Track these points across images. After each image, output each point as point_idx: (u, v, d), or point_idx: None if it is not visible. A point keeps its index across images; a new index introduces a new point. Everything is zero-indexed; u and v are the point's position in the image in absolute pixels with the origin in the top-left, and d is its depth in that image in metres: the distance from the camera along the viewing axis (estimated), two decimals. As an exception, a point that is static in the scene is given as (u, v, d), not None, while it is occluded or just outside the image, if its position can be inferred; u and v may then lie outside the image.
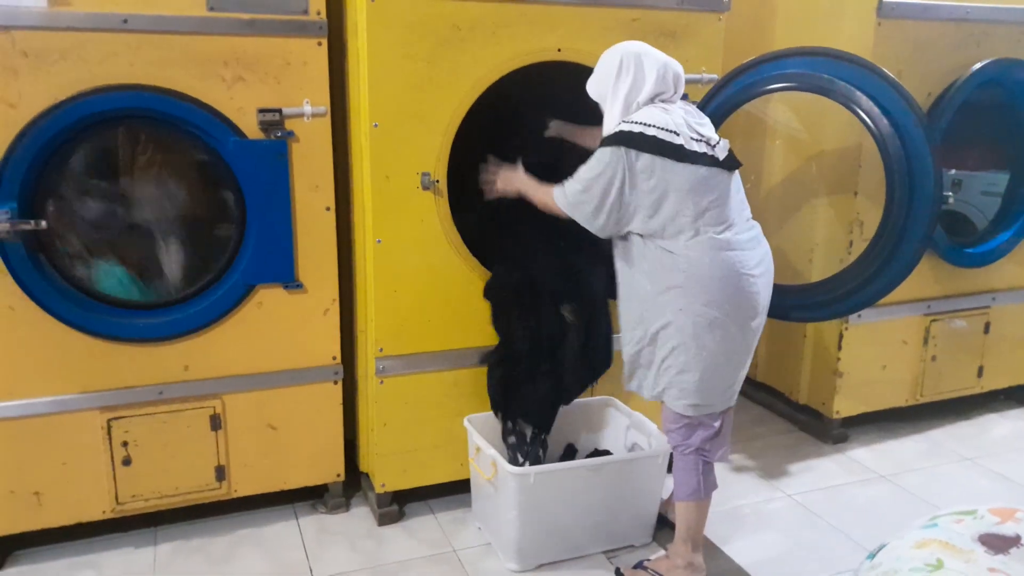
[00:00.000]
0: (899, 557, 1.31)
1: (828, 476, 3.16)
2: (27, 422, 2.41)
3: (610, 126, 2.31)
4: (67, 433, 2.45)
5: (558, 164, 2.62)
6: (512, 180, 2.59)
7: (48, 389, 2.41)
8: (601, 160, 2.25)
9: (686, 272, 2.23)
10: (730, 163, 2.29)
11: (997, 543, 1.33)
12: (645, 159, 2.20)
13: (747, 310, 2.29)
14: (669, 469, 2.76)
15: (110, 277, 2.50)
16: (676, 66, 2.33)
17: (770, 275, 2.37)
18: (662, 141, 2.20)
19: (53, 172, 2.34)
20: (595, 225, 2.32)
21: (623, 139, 2.21)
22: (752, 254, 2.30)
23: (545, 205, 2.45)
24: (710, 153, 2.25)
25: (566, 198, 2.34)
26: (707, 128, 2.34)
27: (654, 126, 2.21)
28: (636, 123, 2.22)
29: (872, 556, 1.37)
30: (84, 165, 2.44)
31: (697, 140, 2.25)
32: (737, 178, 2.34)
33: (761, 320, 2.36)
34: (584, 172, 2.29)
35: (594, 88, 2.38)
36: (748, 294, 2.28)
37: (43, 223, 2.28)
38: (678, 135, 2.22)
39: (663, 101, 2.30)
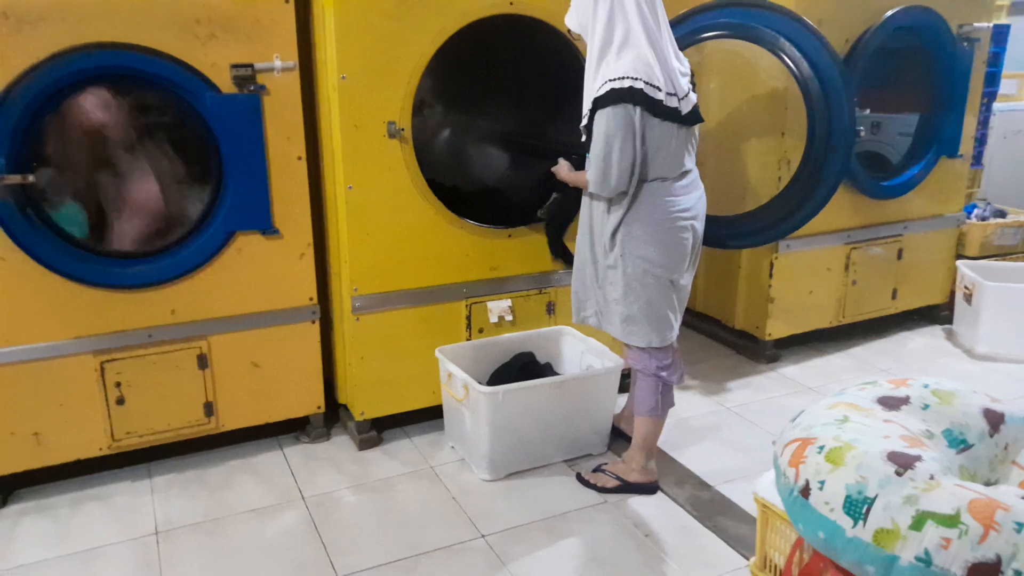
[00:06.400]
0: (814, 415, 1.61)
1: (763, 390, 3.52)
2: (24, 367, 2.55)
3: (594, 61, 2.35)
4: (63, 376, 2.60)
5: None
6: (566, 177, 2.66)
7: (43, 335, 2.55)
8: (609, 123, 2.29)
9: (633, 216, 2.45)
10: (691, 119, 2.42)
11: (892, 402, 1.65)
12: (638, 112, 2.29)
13: (679, 251, 2.51)
14: (622, 389, 3.07)
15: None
16: None
17: (702, 217, 2.58)
18: (647, 96, 2.28)
19: (38, 128, 2.45)
20: (620, 188, 2.37)
21: (620, 96, 2.27)
22: (687, 199, 2.50)
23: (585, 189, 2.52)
24: (677, 107, 2.36)
25: (596, 184, 2.39)
26: (684, 78, 2.41)
27: (640, 79, 2.27)
28: (625, 78, 2.26)
29: (794, 419, 1.67)
30: (68, 122, 2.55)
31: (671, 94, 2.34)
32: (695, 130, 2.49)
33: (691, 260, 2.58)
34: (597, 149, 2.34)
35: (574, 19, 2.42)
36: (680, 238, 2.49)
37: (30, 177, 2.40)
38: (660, 90, 2.30)
39: (649, 37, 2.32)
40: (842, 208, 3.64)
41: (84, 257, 2.56)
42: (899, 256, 3.97)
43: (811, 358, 3.84)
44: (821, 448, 1.52)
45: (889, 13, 3.43)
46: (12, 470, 2.63)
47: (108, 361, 2.65)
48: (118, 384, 2.67)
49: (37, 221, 2.48)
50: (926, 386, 1.67)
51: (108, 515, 2.59)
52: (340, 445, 3.03)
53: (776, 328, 3.73)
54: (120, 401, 2.69)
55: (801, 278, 3.70)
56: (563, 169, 2.69)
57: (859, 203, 3.74)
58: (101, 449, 2.71)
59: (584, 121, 2.41)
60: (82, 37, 2.39)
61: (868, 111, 3.58)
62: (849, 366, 3.77)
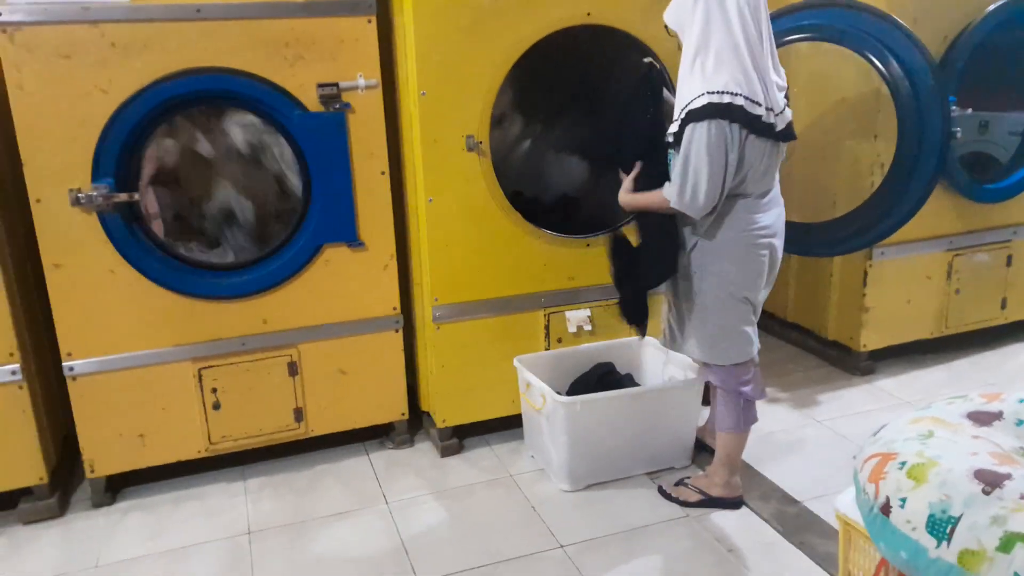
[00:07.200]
0: (897, 430, 1.54)
1: (856, 404, 3.37)
2: (130, 372, 2.72)
3: (687, 64, 2.26)
4: (164, 382, 2.77)
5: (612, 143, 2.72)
6: (626, 202, 2.54)
7: (146, 343, 2.72)
8: (703, 139, 2.20)
9: (712, 232, 2.39)
10: (785, 135, 2.32)
11: (983, 418, 1.56)
12: (735, 129, 2.20)
13: (756, 268, 2.44)
14: (705, 402, 3.00)
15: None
16: None
17: (781, 234, 2.49)
18: (748, 113, 2.19)
19: (143, 149, 2.62)
20: (708, 207, 2.28)
21: (718, 111, 2.18)
22: (766, 216, 2.41)
23: (662, 209, 2.40)
24: (773, 123, 2.26)
25: (681, 202, 2.29)
26: (780, 92, 2.31)
27: (741, 95, 2.18)
28: (725, 92, 2.18)
29: (875, 433, 1.60)
30: (169, 142, 2.73)
31: (769, 109, 2.24)
32: (783, 147, 2.38)
33: (767, 277, 2.50)
34: (687, 165, 2.24)
35: (672, 16, 2.32)
36: (758, 255, 2.42)
37: (136, 195, 2.57)
38: (760, 105, 2.21)
39: (750, 47, 2.21)
40: (942, 213, 3.47)
41: (184, 269, 2.71)
42: (1008, 263, 3.73)
43: (909, 371, 3.65)
44: (903, 464, 1.45)
45: (990, 8, 3.25)
46: (120, 469, 2.81)
47: (205, 368, 2.79)
48: (214, 390, 2.82)
49: (142, 236, 2.65)
50: (1021, 400, 1.57)
51: (204, 514, 2.73)
52: (422, 451, 3.09)
53: (871, 339, 3.57)
54: (216, 406, 2.83)
55: (898, 286, 3.53)
56: (625, 199, 2.52)
57: (962, 207, 3.55)
58: (199, 451, 2.86)
59: (675, 127, 2.31)
60: (182, 63, 2.54)
61: (970, 110, 3.39)
62: (950, 379, 3.57)
